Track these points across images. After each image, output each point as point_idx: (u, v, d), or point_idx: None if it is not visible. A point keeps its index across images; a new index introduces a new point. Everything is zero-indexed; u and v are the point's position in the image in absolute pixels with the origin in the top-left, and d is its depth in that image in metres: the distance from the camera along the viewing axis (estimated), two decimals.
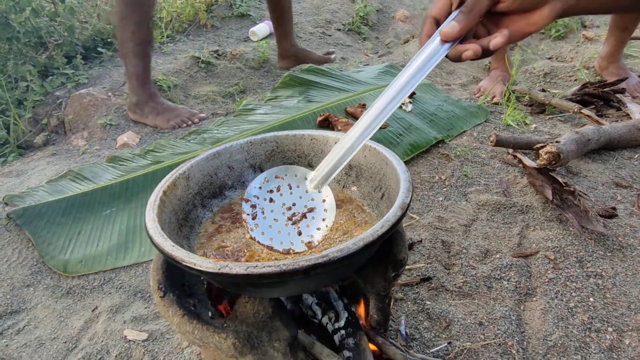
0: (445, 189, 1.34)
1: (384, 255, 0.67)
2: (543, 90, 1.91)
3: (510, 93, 1.87)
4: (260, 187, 0.65)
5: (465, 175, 1.40)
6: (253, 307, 0.59)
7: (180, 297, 0.62)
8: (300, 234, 0.62)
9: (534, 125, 1.71)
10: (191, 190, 0.76)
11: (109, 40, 2.50)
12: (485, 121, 1.74)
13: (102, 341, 0.90)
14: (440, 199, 1.30)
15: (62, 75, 2.21)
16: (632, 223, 1.12)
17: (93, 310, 0.99)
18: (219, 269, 0.47)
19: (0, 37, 2.12)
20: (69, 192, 1.29)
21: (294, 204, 0.64)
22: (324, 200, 0.63)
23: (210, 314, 0.65)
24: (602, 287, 0.94)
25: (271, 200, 0.65)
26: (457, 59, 0.55)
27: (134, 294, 1.02)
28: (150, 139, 1.82)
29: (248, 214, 0.63)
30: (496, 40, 0.52)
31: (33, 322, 0.97)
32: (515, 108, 1.78)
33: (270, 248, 0.61)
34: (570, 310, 0.89)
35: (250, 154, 0.84)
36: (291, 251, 0.61)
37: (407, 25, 3.14)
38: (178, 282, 0.68)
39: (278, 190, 0.65)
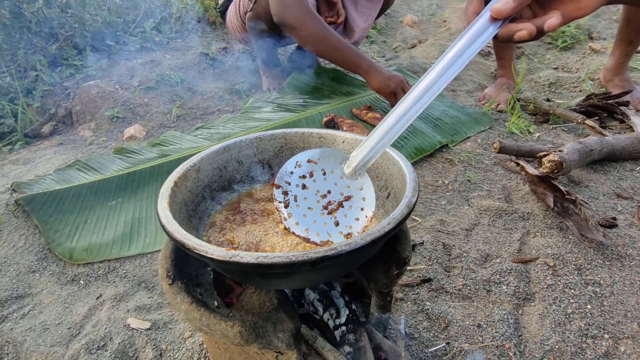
0: (448, 193, 1.35)
1: (388, 253, 0.68)
2: (548, 100, 1.93)
3: (515, 101, 1.88)
4: (291, 172, 0.60)
5: (468, 180, 1.41)
6: (259, 298, 0.61)
7: (187, 286, 0.63)
8: (337, 224, 0.57)
9: (538, 134, 1.72)
10: (201, 183, 0.77)
11: (118, 33, 2.52)
12: (489, 128, 1.75)
13: (105, 328, 0.91)
14: (443, 202, 1.31)
15: (72, 66, 2.23)
16: (631, 234, 1.13)
17: (97, 298, 1.00)
18: (230, 258, 0.49)
19: (12, 26, 2.13)
20: (76, 181, 1.31)
21: (329, 192, 0.59)
22: (361, 188, 0.58)
23: (216, 303, 0.66)
24: (599, 295, 0.95)
25: (304, 186, 0.59)
26: (507, 39, 0.51)
27: (138, 284, 1.04)
28: (157, 132, 1.84)
29: (280, 202, 0.58)
30: (551, 20, 0.49)
31: (38, 307, 0.98)
32: (519, 116, 1.80)
33: (307, 240, 0.56)
34: (567, 316, 0.90)
35: (259, 150, 0.86)
36: (329, 243, 0.56)
37: (414, 30, 3.16)
38: (186, 271, 0.69)
39: (311, 175, 0.60)
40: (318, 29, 1.58)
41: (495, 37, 0.52)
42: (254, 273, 0.53)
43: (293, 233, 0.57)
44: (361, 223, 0.57)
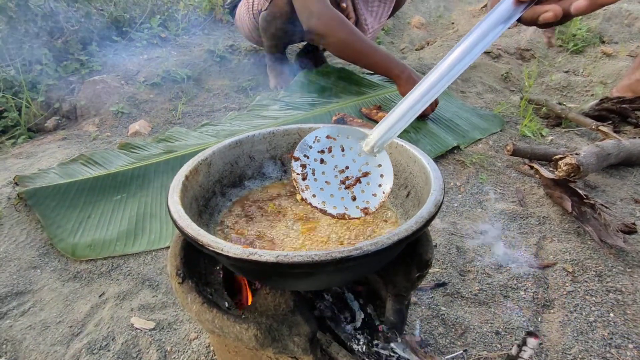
0: (460, 195, 1.32)
1: (409, 255, 0.65)
2: (560, 104, 1.89)
3: (527, 103, 1.85)
4: (310, 147, 0.61)
5: (480, 182, 1.38)
6: (274, 300, 0.57)
7: (197, 285, 0.60)
8: (354, 199, 0.58)
9: (550, 138, 1.69)
10: (212, 178, 0.74)
11: (124, 29, 2.50)
12: (500, 130, 1.72)
13: (108, 328, 0.88)
14: (456, 205, 1.28)
15: (77, 61, 2.21)
16: None
17: (100, 296, 0.97)
18: (248, 256, 0.46)
19: (19, 19, 2.11)
20: (80, 176, 1.28)
21: (346, 167, 0.60)
22: (379, 165, 0.59)
23: (226, 304, 0.63)
24: (622, 302, 0.91)
25: (322, 161, 0.60)
26: (533, 21, 0.50)
27: (142, 282, 1.00)
28: (162, 129, 1.81)
29: (298, 174, 0.59)
30: (579, 2, 0.48)
31: (38, 305, 0.95)
32: (531, 119, 1.76)
33: (324, 212, 0.57)
34: (590, 324, 0.86)
35: (272, 145, 0.83)
36: (346, 216, 0.57)
37: (422, 31, 3.13)
38: (195, 270, 0.66)
39: (330, 151, 0.61)
40: (346, 35, 1.56)
41: (520, 20, 0.51)
42: (273, 273, 0.50)
43: (310, 204, 0.58)
44: (378, 199, 0.58)
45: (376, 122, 1.60)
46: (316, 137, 0.61)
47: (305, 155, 0.61)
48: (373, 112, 1.65)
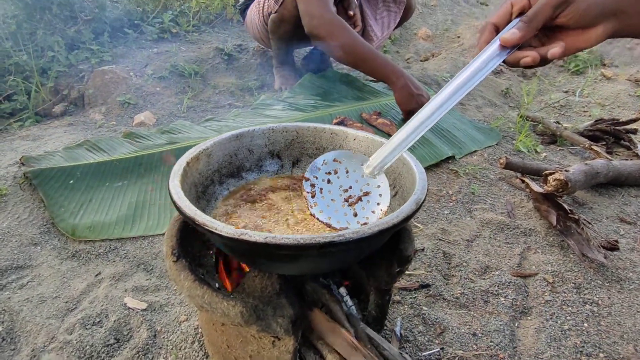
0: (451, 204, 1.36)
1: (391, 250, 0.69)
2: (557, 123, 1.94)
3: (523, 120, 1.89)
4: (319, 168, 0.69)
5: (472, 192, 1.41)
6: (261, 282, 0.61)
7: (191, 264, 0.64)
8: (355, 215, 0.65)
9: (545, 154, 1.73)
10: (211, 167, 0.78)
11: (136, 22, 2.55)
12: (496, 144, 1.76)
13: (102, 305, 0.91)
14: (446, 212, 1.32)
15: (88, 50, 2.26)
16: (632, 258, 1.13)
17: (96, 276, 1.00)
18: (239, 235, 0.49)
19: (34, 6, 2.16)
20: (85, 160, 1.32)
21: (350, 187, 0.67)
22: (378, 186, 0.66)
23: (217, 285, 0.67)
24: (597, 314, 0.95)
25: (329, 181, 0.68)
26: (515, 64, 0.58)
27: (137, 265, 1.04)
28: (167, 121, 1.85)
29: (308, 192, 0.67)
30: (554, 50, 0.56)
31: (37, 280, 0.98)
32: (527, 135, 1.80)
33: (329, 225, 0.64)
34: (564, 332, 0.90)
35: (271, 141, 0.87)
36: None
37: (428, 43, 3.19)
38: (189, 252, 0.70)
39: (335, 172, 0.69)
40: (346, 39, 1.60)
41: (504, 62, 0.58)
42: (261, 253, 0.54)
43: (317, 219, 0.65)
44: (376, 215, 0.65)
45: (375, 127, 1.65)
46: (324, 160, 0.69)
47: (314, 176, 0.68)
48: (373, 117, 1.69)
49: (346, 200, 0.66)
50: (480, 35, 0.61)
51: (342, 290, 0.71)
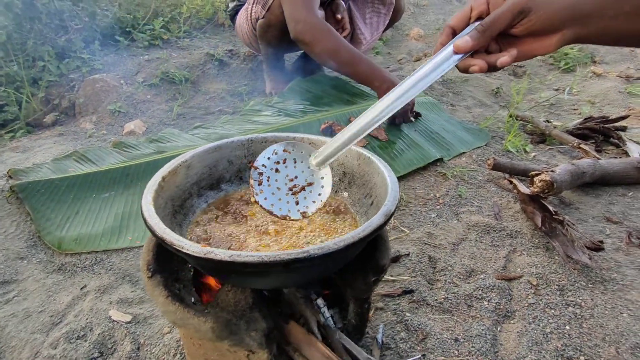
0: (438, 207, 1.36)
1: (366, 260, 0.69)
2: (547, 121, 1.94)
3: (512, 119, 1.89)
4: (269, 158, 0.71)
5: (459, 195, 1.42)
6: (235, 296, 0.62)
7: (167, 280, 0.64)
8: (297, 203, 0.68)
9: (534, 154, 1.73)
10: (190, 180, 0.79)
11: (127, 29, 2.56)
12: (485, 145, 1.76)
13: (87, 319, 0.92)
14: (432, 215, 1.32)
15: (79, 59, 2.26)
16: (617, 258, 1.14)
17: (82, 289, 1.01)
18: (205, 254, 0.50)
19: (24, 16, 2.17)
20: (72, 171, 1.32)
21: (296, 177, 0.70)
22: (322, 178, 0.69)
23: (193, 299, 0.67)
24: (579, 316, 0.95)
25: (277, 170, 0.71)
26: (465, 70, 0.59)
27: (122, 277, 1.04)
28: (157, 129, 1.86)
29: (255, 180, 0.69)
30: (503, 59, 0.57)
31: (22, 294, 0.99)
32: (517, 135, 1.81)
33: (270, 212, 0.67)
34: (545, 335, 0.90)
35: (250, 152, 0.87)
36: (287, 217, 0.67)
37: (420, 43, 3.19)
38: (167, 266, 0.70)
39: (284, 162, 0.71)
40: (331, 44, 1.60)
41: (457, 67, 0.59)
42: (229, 270, 0.55)
43: (261, 206, 0.68)
44: (316, 206, 0.68)
45: None
46: (274, 150, 0.72)
47: (263, 165, 0.71)
48: None
49: (290, 189, 0.69)
50: (439, 37, 0.62)
51: (320, 301, 0.72)
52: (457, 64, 0.58)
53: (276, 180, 0.70)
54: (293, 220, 0.67)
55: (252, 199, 0.68)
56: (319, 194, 0.68)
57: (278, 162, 0.71)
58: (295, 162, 0.71)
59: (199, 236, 0.69)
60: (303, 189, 0.69)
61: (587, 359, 0.85)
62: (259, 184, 0.69)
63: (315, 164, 0.69)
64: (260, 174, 0.70)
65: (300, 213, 0.67)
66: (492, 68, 0.57)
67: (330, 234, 0.73)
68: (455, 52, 0.57)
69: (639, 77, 2.34)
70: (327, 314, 0.70)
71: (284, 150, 0.71)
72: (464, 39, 0.56)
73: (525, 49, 0.57)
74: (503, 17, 0.54)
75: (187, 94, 2.16)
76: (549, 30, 0.54)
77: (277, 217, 0.66)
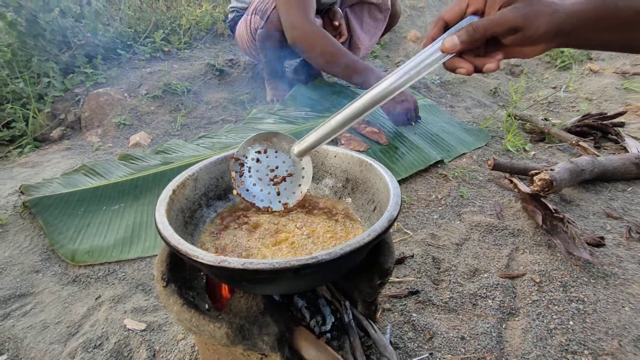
0: (440, 208, 1.39)
1: (371, 263, 0.72)
2: (545, 119, 1.96)
3: (511, 119, 1.92)
4: (249, 148, 0.72)
5: (461, 195, 1.44)
6: (247, 302, 0.64)
7: (181, 288, 0.67)
8: (278, 194, 0.70)
9: (533, 153, 1.75)
10: (198, 191, 0.81)
11: (129, 43, 2.60)
12: (485, 145, 1.79)
13: (102, 328, 0.95)
14: (435, 217, 1.34)
15: (82, 73, 2.31)
16: (618, 253, 1.16)
17: (96, 299, 1.04)
18: (219, 263, 0.53)
19: (28, 33, 2.22)
20: (82, 185, 1.36)
21: (277, 167, 0.71)
22: (303, 168, 0.70)
23: (207, 306, 0.70)
24: (582, 311, 0.97)
25: (258, 160, 0.72)
26: (451, 70, 0.60)
27: (136, 286, 1.07)
28: (161, 140, 1.90)
29: (236, 172, 0.71)
30: (489, 65, 0.59)
31: (39, 306, 1.02)
32: (516, 134, 1.83)
33: (252, 204, 0.69)
34: (549, 331, 0.92)
35: None
36: (269, 209, 0.68)
37: (418, 45, 3.22)
38: (180, 275, 0.73)
39: (265, 152, 0.72)
40: (327, 49, 1.64)
41: (444, 65, 0.60)
42: (241, 278, 0.57)
43: (243, 198, 0.69)
44: (296, 197, 0.70)
45: (364, 136, 1.68)
46: (255, 139, 0.72)
47: (244, 155, 0.72)
48: (361, 126, 1.72)
49: (272, 180, 0.70)
50: (430, 29, 0.62)
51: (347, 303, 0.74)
52: (444, 62, 0.59)
53: (257, 170, 0.70)
54: (275, 211, 0.67)
55: (235, 192, 0.68)
56: (299, 185, 0.69)
57: (259, 152, 0.71)
58: (276, 152, 0.71)
59: (211, 245, 0.72)
60: (284, 179, 0.70)
61: (591, 352, 0.87)
62: (240, 176, 0.70)
63: (296, 153, 0.69)
64: (242, 164, 0.70)
65: (282, 204, 0.68)
66: (479, 72, 0.60)
67: (336, 239, 0.75)
68: (442, 51, 0.58)
69: (635, 72, 2.37)
70: (332, 318, 0.73)
71: (264, 140, 0.72)
72: (453, 41, 0.56)
73: (511, 51, 0.59)
74: (495, 28, 0.56)
75: (190, 105, 2.19)
76: (535, 43, 0.57)
77: (259, 209, 0.67)
